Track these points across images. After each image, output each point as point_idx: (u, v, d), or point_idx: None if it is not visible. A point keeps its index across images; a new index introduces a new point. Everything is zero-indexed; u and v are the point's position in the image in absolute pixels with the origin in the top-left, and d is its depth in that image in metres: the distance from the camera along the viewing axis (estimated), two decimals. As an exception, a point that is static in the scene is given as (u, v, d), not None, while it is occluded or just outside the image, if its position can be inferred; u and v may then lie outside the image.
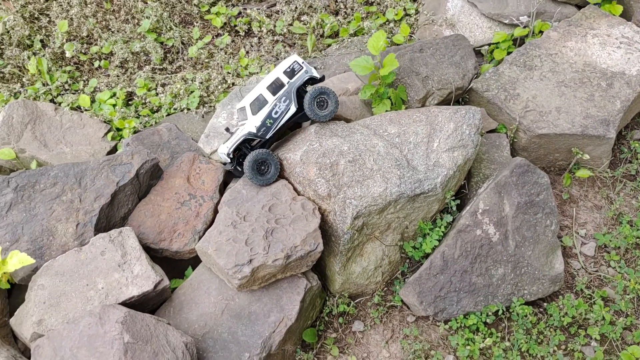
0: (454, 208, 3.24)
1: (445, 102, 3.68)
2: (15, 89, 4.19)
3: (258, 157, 3.07)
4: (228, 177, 3.42)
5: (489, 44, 4.22)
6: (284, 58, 4.26)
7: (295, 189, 3.16)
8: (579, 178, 3.71)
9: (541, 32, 4.18)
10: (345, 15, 4.63)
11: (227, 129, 3.30)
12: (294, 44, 4.50)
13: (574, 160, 3.60)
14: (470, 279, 3.08)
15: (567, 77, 3.72)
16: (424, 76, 3.60)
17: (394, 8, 4.58)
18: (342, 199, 2.98)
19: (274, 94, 3.21)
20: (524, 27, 4.16)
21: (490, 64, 4.09)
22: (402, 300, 3.22)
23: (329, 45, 4.42)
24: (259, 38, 4.56)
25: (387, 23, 4.50)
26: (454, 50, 3.77)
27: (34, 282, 2.78)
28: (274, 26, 4.57)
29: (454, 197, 3.22)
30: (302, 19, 4.54)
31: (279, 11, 4.71)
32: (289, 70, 3.26)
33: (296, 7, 4.62)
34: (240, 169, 3.25)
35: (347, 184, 3.01)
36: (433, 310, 3.09)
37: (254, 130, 3.17)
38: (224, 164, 3.35)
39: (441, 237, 3.19)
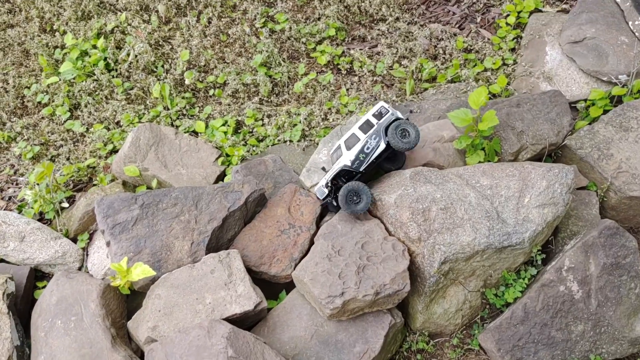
0: (539, 262, 3.36)
1: (537, 157, 3.80)
2: (140, 110, 4.69)
3: (351, 187, 3.36)
4: (324, 211, 3.70)
5: (585, 100, 4.30)
6: (383, 98, 4.52)
7: (386, 229, 3.39)
8: (669, 242, 3.72)
9: (640, 92, 4.21)
10: (444, 61, 4.84)
11: (324, 169, 3.62)
12: (393, 85, 4.75)
13: (665, 224, 3.62)
14: (550, 333, 3.19)
15: (665, 141, 3.75)
16: (519, 131, 3.75)
17: (492, 57, 4.74)
18: (431, 244, 3.18)
19: (365, 132, 3.53)
20: (623, 86, 4.21)
21: (585, 121, 4.16)
22: (479, 345, 3.37)
23: (425, 89, 4.64)
24: (360, 77, 4.85)
25: (484, 71, 4.66)
26: (550, 106, 3.89)
27: (152, 291, 3.17)
28: (375, 67, 4.84)
29: (540, 251, 3.34)
30: (402, 62, 4.79)
31: (380, 52, 4.99)
32: (377, 113, 3.59)
33: (397, 50, 4.87)
34: (335, 203, 3.53)
35: (438, 230, 3.21)
36: (510, 358, 3.21)
37: (349, 164, 3.47)
38: (322, 199, 3.64)
39: (524, 289, 3.32)
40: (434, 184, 3.39)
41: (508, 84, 4.56)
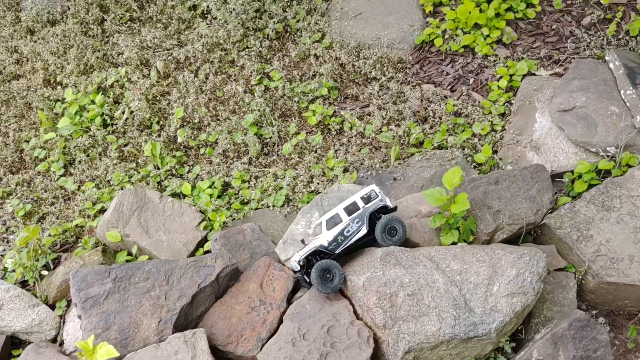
0: (509, 350, 3.31)
1: (514, 236, 3.75)
2: (132, 168, 4.78)
3: (324, 265, 3.37)
4: (297, 284, 3.71)
5: (572, 171, 4.23)
6: (369, 164, 4.52)
7: (355, 311, 3.38)
8: (650, 328, 3.62)
9: (628, 165, 4.13)
10: (433, 124, 4.83)
11: (303, 241, 3.63)
12: (380, 148, 4.75)
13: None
14: None
15: (647, 223, 3.67)
16: (496, 210, 3.71)
17: (481, 122, 4.71)
18: (396, 332, 3.16)
19: (349, 214, 3.53)
20: (610, 158, 4.14)
21: (570, 197, 4.10)
22: None
23: (412, 154, 4.63)
24: (349, 139, 4.87)
25: (471, 138, 4.63)
26: (531, 183, 3.85)
27: (116, 371, 3.21)
28: (364, 129, 4.86)
29: (509, 340, 3.29)
30: (391, 125, 4.79)
31: (370, 113, 5.00)
32: (365, 196, 3.58)
33: (387, 113, 4.88)
34: (307, 279, 3.53)
35: (403, 318, 3.19)
36: None
37: (325, 244, 3.47)
38: (294, 271, 3.65)
39: (492, 379, 3.27)
40: (403, 266, 3.37)
41: (494, 152, 4.53)
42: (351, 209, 3.57)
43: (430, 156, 4.51)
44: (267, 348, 3.25)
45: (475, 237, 3.69)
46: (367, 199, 3.60)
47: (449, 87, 5.17)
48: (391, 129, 4.77)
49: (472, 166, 4.42)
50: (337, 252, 3.51)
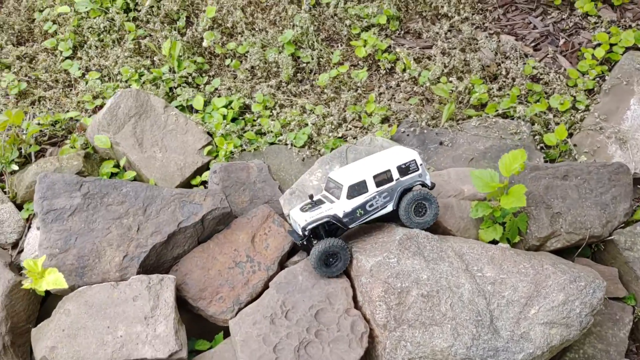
0: (530, 385, 2.68)
1: (571, 247, 3.03)
2: (144, 65, 4.15)
3: (330, 249, 2.74)
4: (296, 247, 3.11)
5: (661, 180, 3.42)
6: (414, 119, 3.77)
7: (354, 297, 2.77)
8: None
9: None
10: (502, 86, 4.00)
11: (311, 197, 2.97)
12: (432, 101, 3.98)
13: None
14: None
15: None
16: (556, 212, 2.97)
17: (562, 95, 3.86)
18: (397, 337, 2.55)
19: (377, 185, 2.83)
20: None
21: (651, 210, 3.32)
22: None
23: (469, 118, 3.85)
24: (398, 83, 4.09)
25: (546, 112, 3.81)
26: (607, 186, 3.08)
27: (63, 303, 2.72)
28: (419, 75, 4.07)
29: (533, 375, 2.65)
30: (451, 76, 3.98)
31: (431, 57, 4.19)
32: (403, 166, 2.85)
33: (450, 61, 4.06)
34: (305, 245, 2.92)
35: (410, 322, 2.57)
36: None
37: (340, 215, 2.81)
38: (291, 231, 3.02)
39: (500, 415, 2.66)
40: (425, 258, 2.72)
41: (569, 136, 3.70)
42: (382, 179, 2.84)
43: (491, 124, 3.73)
44: (242, 315, 2.70)
45: (522, 239, 2.99)
46: (404, 170, 2.86)
47: (533, 44, 4.28)
48: (451, 81, 3.97)
49: (538, 146, 3.63)
50: (350, 226, 2.85)
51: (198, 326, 2.94)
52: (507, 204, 2.72)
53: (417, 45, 4.33)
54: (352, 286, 2.81)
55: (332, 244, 2.73)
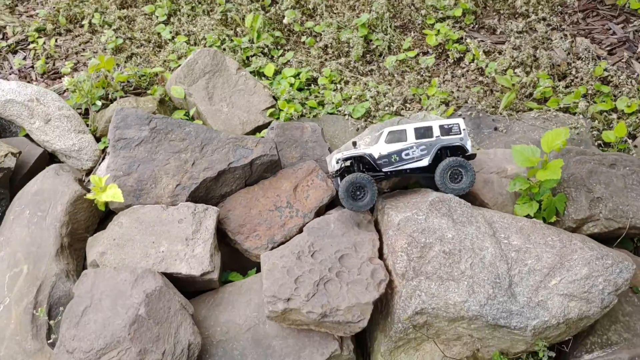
0: (544, 359, 2.66)
1: (610, 235, 2.98)
2: (228, 35, 4.49)
3: (356, 181, 2.88)
4: (335, 201, 3.27)
5: None
6: (472, 103, 3.84)
7: (380, 249, 2.89)
8: None
9: None
10: (569, 84, 3.97)
11: (354, 143, 3.16)
12: (494, 91, 4.02)
13: None
14: None
15: None
16: (597, 197, 2.94)
17: (630, 98, 3.78)
18: (413, 286, 2.64)
19: (417, 137, 2.96)
20: None
21: None
22: (436, 420, 2.80)
23: (530, 110, 3.85)
24: (464, 73, 4.17)
25: (610, 112, 3.74)
26: (658, 180, 3.00)
27: (117, 217, 3.03)
28: (486, 66, 4.12)
29: (547, 346, 2.64)
30: (517, 69, 4.01)
31: (501, 52, 4.23)
32: (446, 126, 2.97)
33: (519, 55, 4.08)
34: (338, 182, 3.09)
35: (427, 274, 2.64)
36: None
37: (376, 156, 2.97)
38: (329, 173, 3.20)
39: (510, 383, 2.66)
40: (453, 220, 2.78)
41: (632, 138, 3.62)
42: (422, 133, 2.96)
43: (550, 116, 3.72)
44: (273, 251, 2.88)
45: (559, 220, 2.97)
46: (446, 130, 2.96)
47: (608, 49, 4.21)
48: (517, 74, 3.99)
49: (595, 143, 3.58)
50: (384, 170, 2.97)
51: (234, 261, 3.16)
52: (544, 175, 2.74)
53: (490, 40, 4.38)
54: (380, 240, 2.92)
55: (360, 176, 2.87)
